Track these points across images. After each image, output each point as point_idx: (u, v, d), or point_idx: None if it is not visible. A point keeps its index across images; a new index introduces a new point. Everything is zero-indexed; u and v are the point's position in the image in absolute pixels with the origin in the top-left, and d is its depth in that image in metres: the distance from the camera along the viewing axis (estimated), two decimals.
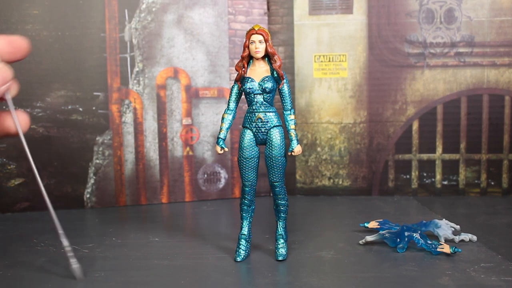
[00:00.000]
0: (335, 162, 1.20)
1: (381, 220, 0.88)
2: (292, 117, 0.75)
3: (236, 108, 0.76)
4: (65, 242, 0.67)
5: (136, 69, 1.12)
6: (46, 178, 1.08)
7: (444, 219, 0.84)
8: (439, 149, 1.19)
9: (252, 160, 0.74)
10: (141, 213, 1.07)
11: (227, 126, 0.75)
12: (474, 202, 1.13)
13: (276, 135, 0.73)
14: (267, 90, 0.72)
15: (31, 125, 1.07)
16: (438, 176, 1.19)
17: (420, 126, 1.18)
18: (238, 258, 0.74)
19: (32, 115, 1.07)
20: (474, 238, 0.81)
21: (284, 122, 0.75)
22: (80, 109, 1.09)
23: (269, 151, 0.73)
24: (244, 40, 0.79)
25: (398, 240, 0.77)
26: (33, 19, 1.06)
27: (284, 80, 0.73)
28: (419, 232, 0.77)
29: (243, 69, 0.73)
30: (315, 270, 0.69)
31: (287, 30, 1.19)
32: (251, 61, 0.74)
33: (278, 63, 0.72)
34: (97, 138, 1.11)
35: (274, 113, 0.74)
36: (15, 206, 1.07)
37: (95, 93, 1.10)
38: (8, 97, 0.60)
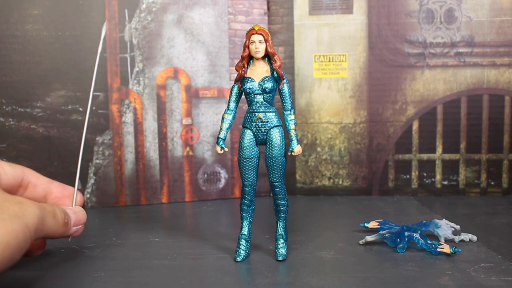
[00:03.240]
0: (335, 162, 1.20)
1: (381, 220, 0.88)
2: (292, 117, 0.75)
3: (236, 108, 0.76)
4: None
5: (136, 69, 1.12)
6: None
7: (444, 219, 0.84)
8: (439, 149, 1.19)
9: (252, 160, 0.74)
10: (141, 213, 1.07)
11: (227, 126, 0.75)
12: (474, 202, 1.13)
13: (276, 135, 0.73)
14: (267, 90, 0.72)
15: (31, 125, 1.07)
16: (438, 176, 1.19)
17: (420, 126, 1.18)
18: (238, 258, 0.74)
19: (32, 115, 1.07)
20: (474, 238, 0.81)
21: (284, 122, 0.75)
22: (80, 109, 1.09)
23: (269, 151, 0.73)
24: (244, 40, 0.79)
25: (398, 240, 0.77)
26: (33, 19, 1.06)
27: (284, 80, 0.73)
28: (419, 232, 0.77)
29: (243, 69, 0.73)
30: (315, 270, 0.69)
31: (287, 30, 1.19)
32: (251, 61, 0.74)
33: (278, 63, 0.72)
34: (97, 138, 1.11)
35: (274, 113, 0.73)
36: None
37: (95, 93, 1.10)
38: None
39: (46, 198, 0.71)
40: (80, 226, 0.69)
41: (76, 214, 0.69)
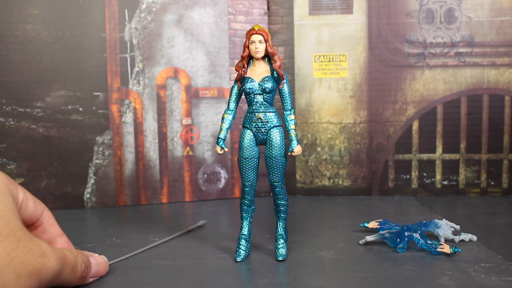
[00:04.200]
0: (335, 162, 1.20)
1: (381, 220, 0.88)
2: (292, 117, 0.75)
3: (236, 108, 0.76)
4: None
5: (136, 69, 1.12)
6: (46, 178, 1.08)
7: (444, 219, 0.84)
8: (439, 149, 1.19)
9: (252, 160, 0.74)
10: (141, 213, 1.07)
11: (227, 126, 0.75)
12: (474, 202, 1.12)
13: (276, 135, 0.73)
14: (267, 90, 0.72)
15: (31, 125, 1.07)
16: (438, 176, 1.19)
17: (420, 126, 1.18)
18: (238, 258, 0.74)
19: (32, 115, 1.07)
20: (474, 238, 0.81)
21: (284, 122, 0.75)
22: (80, 109, 1.09)
23: (269, 151, 0.73)
24: (244, 40, 0.79)
25: (398, 240, 0.77)
26: (33, 19, 1.06)
27: (284, 80, 0.73)
28: (419, 232, 0.77)
29: (243, 69, 0.73)
30: (315, 270, 0.69)
31: (287, 30, 1.19)
32: (251, 61, 0.74)
33: (278, 63, 0.72)
34: (97, 138, 1.11)
35: (274, 113, 0.73)
36: None
37: (95, 93, 1.10)
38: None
39: None
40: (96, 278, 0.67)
41: (98, 265, 0.67)
